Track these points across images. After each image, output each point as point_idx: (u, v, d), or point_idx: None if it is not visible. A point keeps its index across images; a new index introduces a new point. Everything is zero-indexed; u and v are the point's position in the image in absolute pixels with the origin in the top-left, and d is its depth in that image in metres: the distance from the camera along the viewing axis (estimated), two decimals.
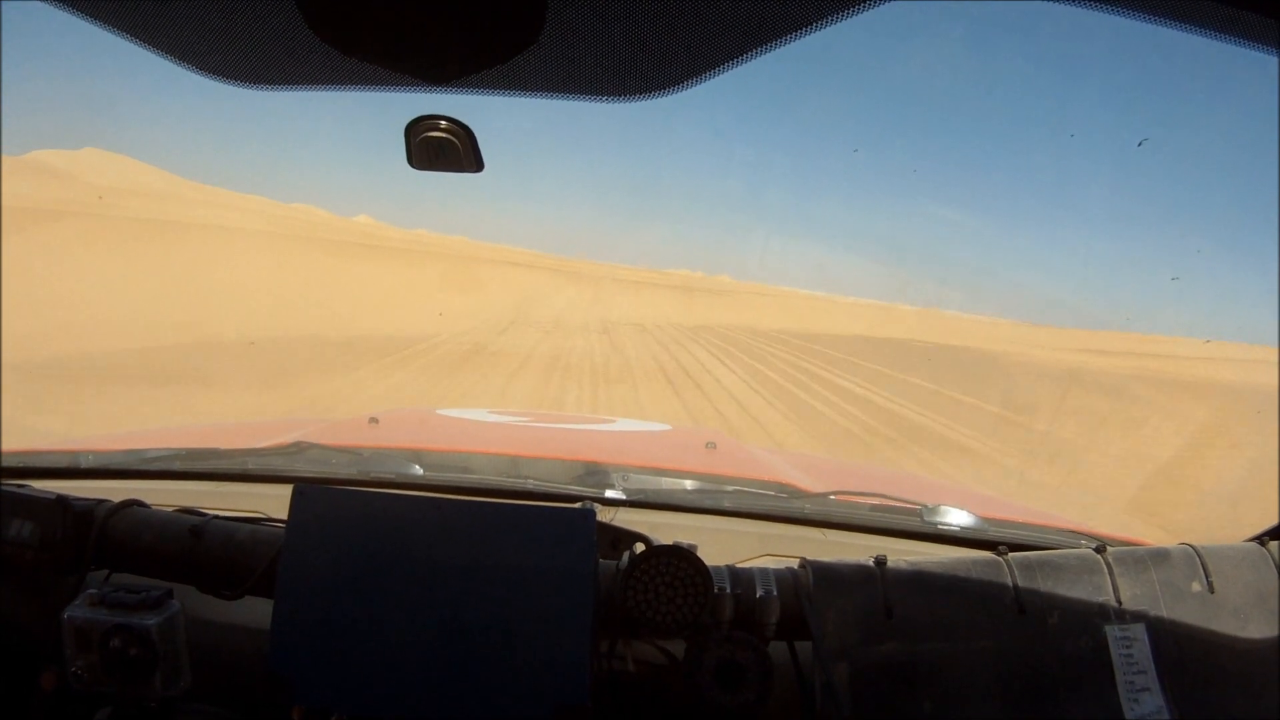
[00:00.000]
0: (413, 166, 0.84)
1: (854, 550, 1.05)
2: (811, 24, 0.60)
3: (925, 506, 1.31)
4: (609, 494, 1.32)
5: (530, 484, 1.34)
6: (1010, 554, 0.97)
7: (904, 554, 0.99)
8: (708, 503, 1.36)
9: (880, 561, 0.95)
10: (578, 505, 0.94)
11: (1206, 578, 0.94)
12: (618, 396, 10.13)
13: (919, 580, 0.94)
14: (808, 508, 1.34)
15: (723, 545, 1.15)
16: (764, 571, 0.95)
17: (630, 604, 0.90)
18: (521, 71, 0.65)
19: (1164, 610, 0.93)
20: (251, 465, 1.39)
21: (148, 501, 1.06)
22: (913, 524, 1.30)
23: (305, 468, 1.39)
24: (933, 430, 9.47)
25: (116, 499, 1.03)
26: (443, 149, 0.82)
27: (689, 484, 1.45)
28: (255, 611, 0.95)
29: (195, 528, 0.99)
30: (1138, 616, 0.92)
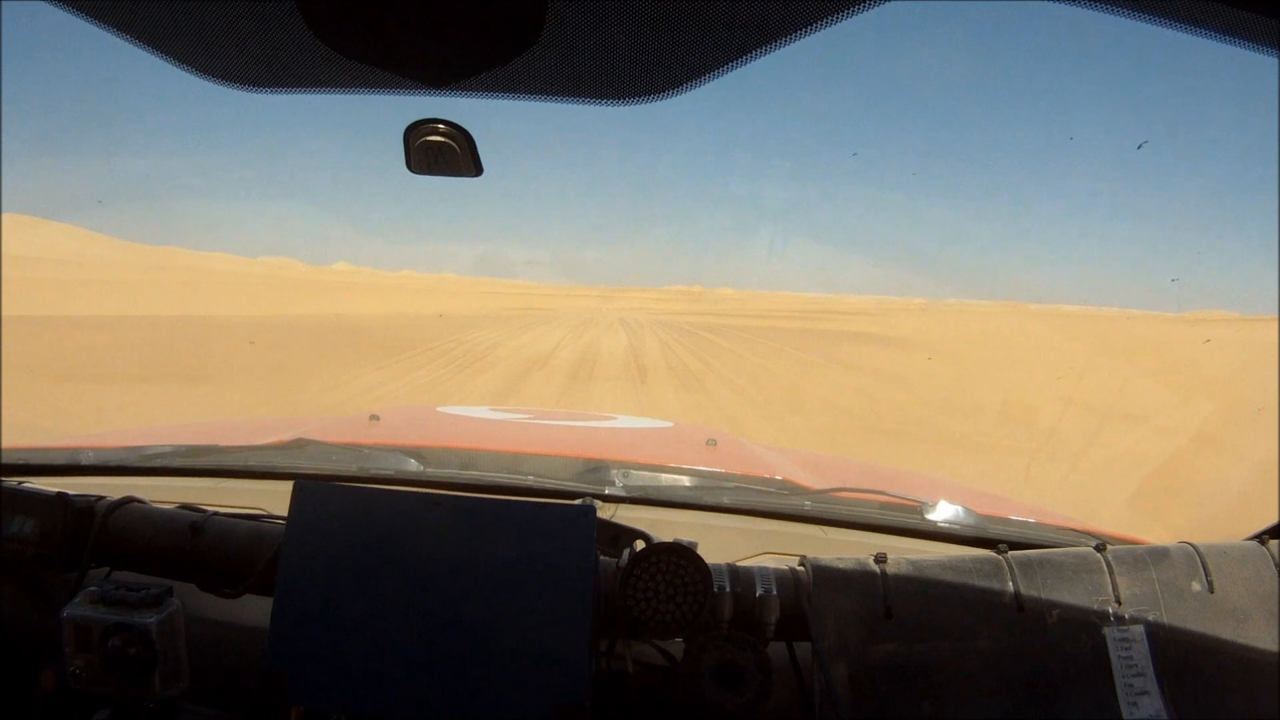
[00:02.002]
0: (411, 170, 0.84)
1: (854, 548, 1.06)
2: (811, 24, 0.60)
3: (925, 504, 1.31)
4: (609, 490, 1.32)
5: (530, 480, 1.34)
6: (1010, 552, 0.97)
7: (904, 552, 0.99)
8: (708, 499, 1.36)
9: (880, 560, 0.95)
10: (578, 502, 0.94)
11: (1206, 577, 0.94)
12: None
13: (919, 579, 0.94)
14: (808, 505, 1.34)
15: (723, 542, 1.15)
16: (764, 570, 0.95)
17: (630, 602, 0.90)
18: (521, 74, 0.65)
19: (1164, 610, 0.93)
20: (252, 461, 1.40)
21: (147, 498, 1.06)
22: (913, 521, 1.30)
23: (306, 464, 1.39)
24: None
25: (116, 496, 1.03)
26: (441, 153, 0.81)
27: (689, 480, 1.45)
28: (254, 610, 0.95)
29: (195, 524, 0.99)
30: (1137, 616, 0.92)
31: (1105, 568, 0.95)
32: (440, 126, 0.80)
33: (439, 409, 2.29)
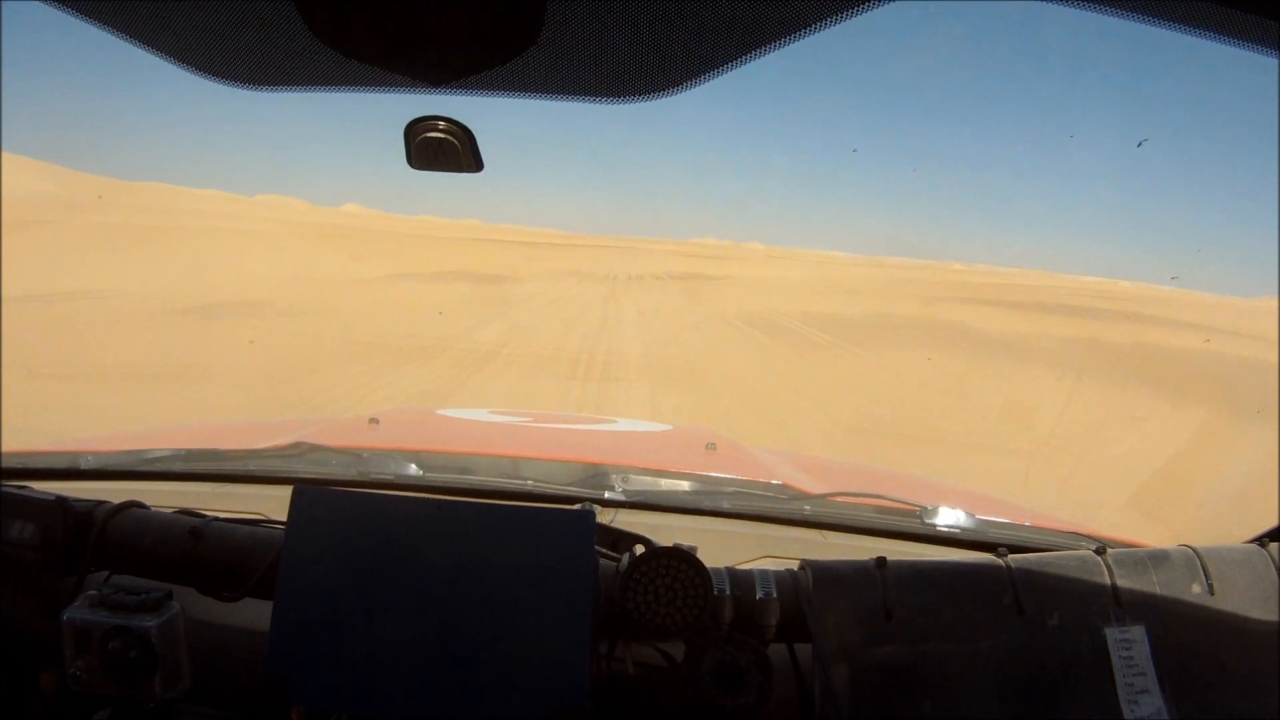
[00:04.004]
0: (412, 166, 0.84)
1: (854, 552, 1.06)
2: (811, 25, 0.60)
3: (925, 508, 1.31)
4: (609, 495, 1.32)
5: (530, 485, 1.34)
6: (1010, 555, 0.97)
7: (904, 555, 0.99)
8: (707, 504, 1.36)
9: (880, 563, 0.95)
10: (577, 507, 0.94)
11: (1206, 579, 0.94)
12: None
13: (919, 582, 0.94)
14: (807, 509, 1.34)
15: (723, 546, 1.15)
16: (764, 573, 0.95)
17: (630, 606, 0.90)
18: (521, 73, 0.65)
19: (1164, 612, 0.93)
20: (252, 466, 1.39)
21: (147, 503, 1.06)
22: (913, 525, 1.30)
23: (305, 469, 1.39)
24: None
25: (116, 500, 1.03)
26: (442, 149, 0.82)
27: (689, 485, 1.45)
28: (255, 613, 0.95)
29: (195, 529, 0.99)
30: (1138, 618, 0.92)
31: (1105, 570, 0.95)
32: (440, 123, 0.80)
33: (439, 411, 2.29)
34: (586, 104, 0.69)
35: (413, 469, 1.40)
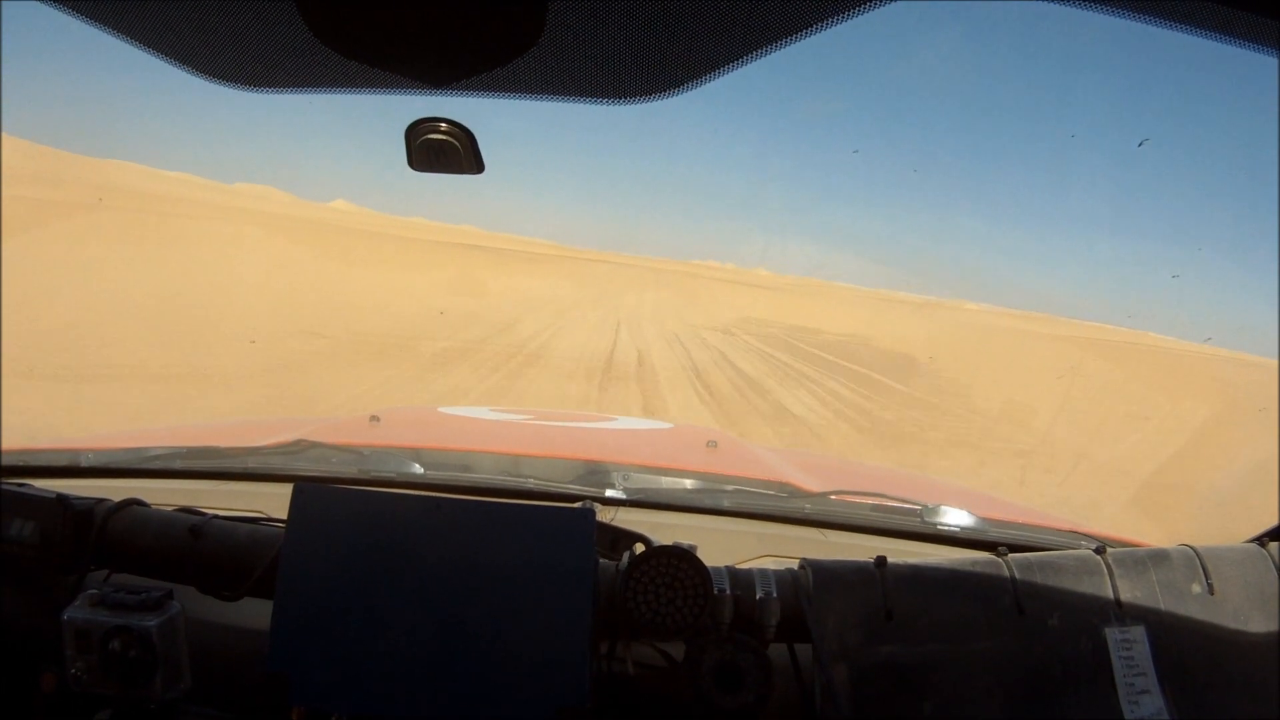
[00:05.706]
0: (413, 168, 0.84)
1: (854, 551, 1.06)
2: (811, 25, 0.60)
3: (925, 507, 1.31)
4: (609, 493, 1.32)
5: (530, 483, 1.34)
6: (1010, 555, 0.97)
7: (904, 555, 0.99)
8: (708, 502, 1.36)
9: (880, 562, 0.95)
10: (577, 505, 0.94)
11: (1206, 579, 0.94)
12: None
13: (919, 581, 0.94)
14: (808, 508, 1.34)
15: (723, 545, 1.15)
16: (764, 573, 0.95)
17: (630, 605, 0.90)
18: (522, 74, 0.65)
19: (1164, 612, 0.93)
20: (252, 464, 1.40)
21: (148, 500, 1.06)
22: (913, 524, 1.30)
23: (306, 466, 1.40)
24: None
25: (117, 498, 1.03)
26: (443, 151, 0.82)
27: (689, 484, 1.45)
28: (255, 612, 0.95)
29: (195, 527, 0.99)
30: (1138, 618, 0.92)
31: (1105, 570, 0.95)
32: (442, 125, 0.80)
33: (439, 409, 2.30)
34: (588, 105, 0.69)
35: (413, 467, 1.40)
